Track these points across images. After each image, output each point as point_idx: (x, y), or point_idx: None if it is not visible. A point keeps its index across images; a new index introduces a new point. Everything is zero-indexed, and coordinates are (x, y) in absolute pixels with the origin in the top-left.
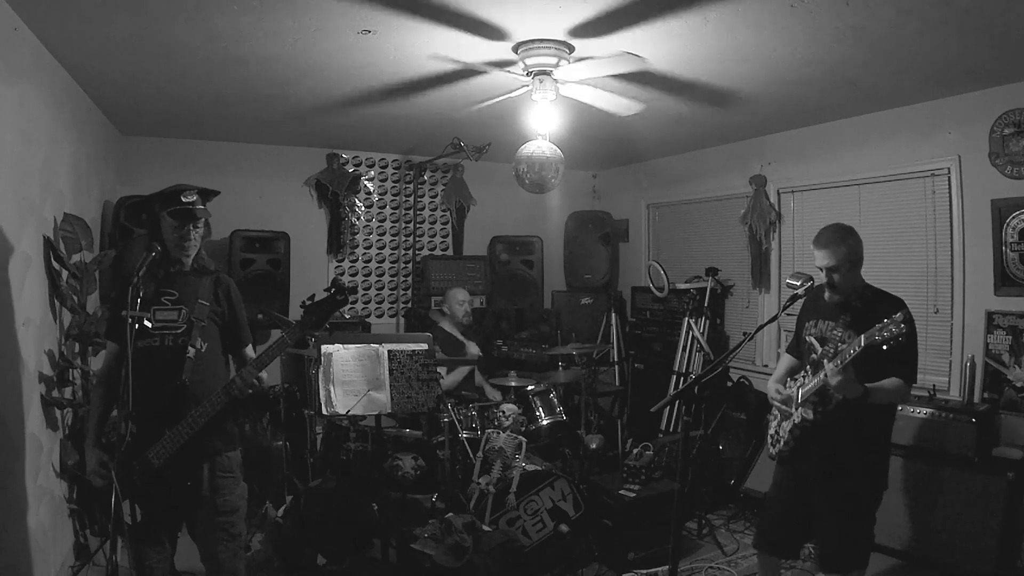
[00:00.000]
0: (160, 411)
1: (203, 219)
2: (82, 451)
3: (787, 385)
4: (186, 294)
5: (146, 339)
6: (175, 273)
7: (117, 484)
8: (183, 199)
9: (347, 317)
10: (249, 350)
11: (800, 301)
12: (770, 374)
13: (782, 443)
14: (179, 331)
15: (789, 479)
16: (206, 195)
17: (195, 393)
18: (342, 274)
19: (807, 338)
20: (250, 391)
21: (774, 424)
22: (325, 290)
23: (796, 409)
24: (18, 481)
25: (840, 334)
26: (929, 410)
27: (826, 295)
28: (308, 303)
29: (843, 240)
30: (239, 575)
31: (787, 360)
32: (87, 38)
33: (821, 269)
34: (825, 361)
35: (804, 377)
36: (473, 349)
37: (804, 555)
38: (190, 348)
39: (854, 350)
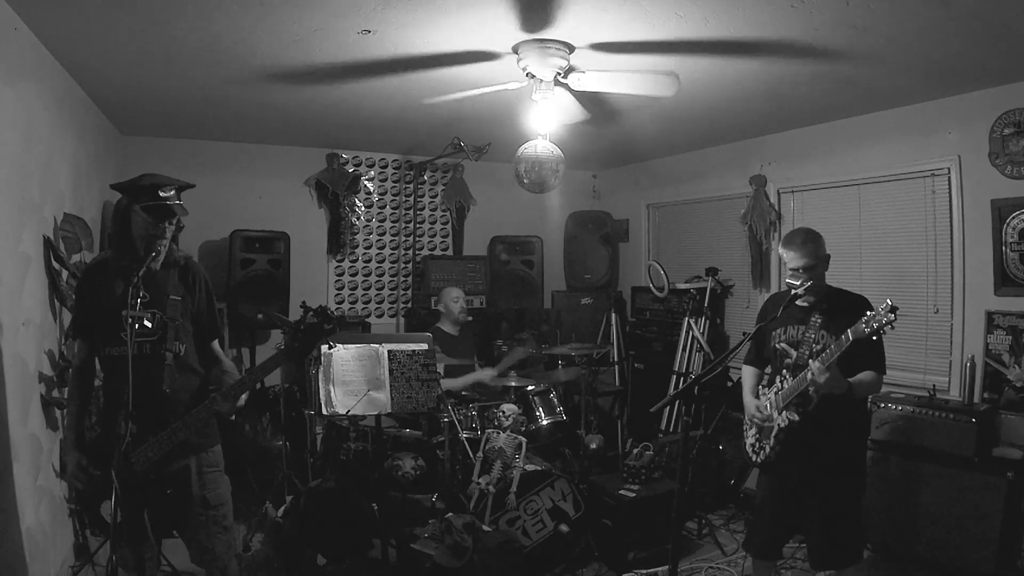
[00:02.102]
0: (141, 417)
1: (179, 215)
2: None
3: (761, 394)
4: (157, 294)
5: (121, 347)
6: (145, 272)
7: (117, 484)
8: (161, 194)
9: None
10: (216, 345)
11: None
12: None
13: (768, 449)
14: (154, 337)
15: (777, 483)
16: (180, 188)
17: (177, 400)
18: (342, 274)
19: (778, 345)
20: (231, 412)
21: (752, 433)
22: (313, 313)
23: (780, 414)
24: (18, 481)
25: (813, 336)
26: (929, 410)
27: (799, 300)
28: (299, 320)
29: (815, 240)
30: (233, 568)
31: (751, 372)
32: (87, 38)
33: (797, 270)
34: (810, 362)
35: (782, 381)
36: (484, 376)
37: (802, 555)
38: (167, 354)
39: (839, 345)
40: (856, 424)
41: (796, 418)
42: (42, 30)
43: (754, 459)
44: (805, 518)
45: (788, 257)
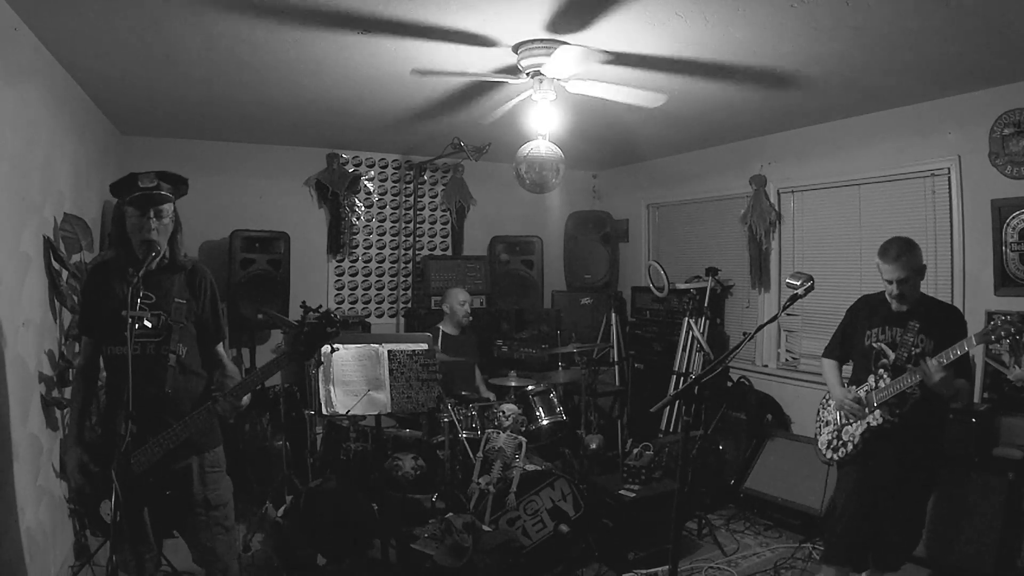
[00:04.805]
0: (142, 417)
1: (165, 205)
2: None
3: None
4: (161, 296)
5: (123, 346)
6: (148, 273)
7: (117, 484)
8: (140, 184)
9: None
10: (220, 349)
11: (799, 302)
12: (771, 374)
13: (850, 446)
14: (158, 339)
15: (857, 482)
16: (177, 184)
17: (177, 402)
18: (342, 274)
19: (875, 344)
20: (232, 414)
21: (828, 430)
22: (314, 316)
23: (872, 413)
24: (18, 481)
25: (912, 339)
26: None
27: (893, 305)
28: (301, 322)
29: (911, 251)
30: (234, 569)
31: (833, 365)
32: (87, 38)
33: (891, 282)
34: (927, 359)
35: (877, 380)
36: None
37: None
38: (171, 356)
39: (961, 350)
40: (939, 430)
41: (891, 419)
42: (42, 30)
43: (830, 457)
44: (883, 518)
45: (883, 269)
